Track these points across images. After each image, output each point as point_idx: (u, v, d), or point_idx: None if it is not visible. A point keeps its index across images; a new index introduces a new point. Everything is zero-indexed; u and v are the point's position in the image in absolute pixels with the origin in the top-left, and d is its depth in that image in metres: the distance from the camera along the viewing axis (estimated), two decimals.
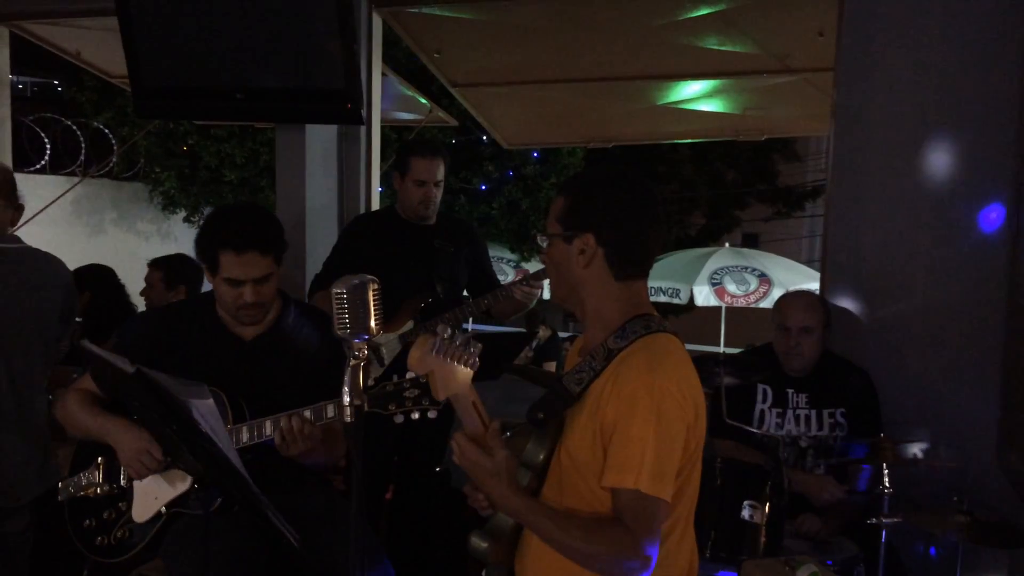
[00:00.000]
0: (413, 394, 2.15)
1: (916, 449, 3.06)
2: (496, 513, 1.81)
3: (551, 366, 8.81)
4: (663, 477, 1.65)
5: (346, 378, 1.57)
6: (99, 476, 2.52)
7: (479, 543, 1.79)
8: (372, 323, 1.57)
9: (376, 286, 1.59)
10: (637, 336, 1.75)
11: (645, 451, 1.64)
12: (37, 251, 2.94)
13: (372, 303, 1.57)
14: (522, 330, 8.32)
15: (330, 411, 2.31)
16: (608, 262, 1.78)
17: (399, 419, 2.17)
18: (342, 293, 1.57)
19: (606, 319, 1.80)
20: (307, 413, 2.30)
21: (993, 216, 3.24)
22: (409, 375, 2.17)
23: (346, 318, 1.56)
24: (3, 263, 2.80)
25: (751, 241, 19.17)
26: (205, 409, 1.63)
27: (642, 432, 1.64)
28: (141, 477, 2.40)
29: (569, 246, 1.79)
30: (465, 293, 3.82)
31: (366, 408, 2.14)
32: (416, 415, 2.15)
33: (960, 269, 3.30)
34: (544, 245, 1.85)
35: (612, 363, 1.73)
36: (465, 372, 1.62)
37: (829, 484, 2.94)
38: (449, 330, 1.58)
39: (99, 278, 4.38)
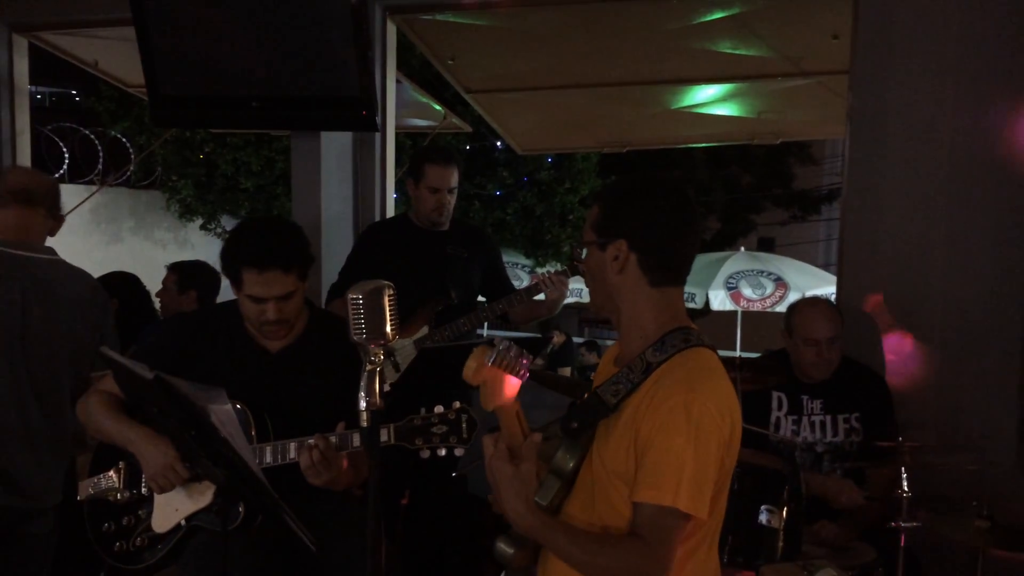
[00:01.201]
0: (441, 431, 2.14)
1: (935, 452, 3.04)
2: (495, 548, 1.80)
3: (565, 372, 8.80)
4: (701, 495, 1.64)
5: (362, 383, 1.58)
6: (120, 482, 2.51)
7: (505, 549, 1.78)
8: (388, 328, 1.58)
9: (392, 291, 1.60)
10: (676, 350, 1.73)
11: (683, 469, 1.62)
12: (71, 266, 2.96)
13: (388, 308, 1.58)
14: (538, 335, 8.33)
15: (355, 441, 2.27)
16: (642, 268, 1.77)
17: (425, 455, 2.16)
18: (358, 298, 1.57)
19: (643, 328, 1.79)
20: (333, 439, 2.26)
21: None
22: (438, 409, 2.16)
23: (362, 323, 1.57)
24: (37, 274, 2.83)
25: (767, 245, 19.08)
26: (224, 415, 1.64)
27: (680, 450, 1.63)
28: (164, 491, 2.38)
29: (603, 253, 1.78)
30: (481, 298, 3.83)
31: (392, 442, 2.15)
32: (443, 452, 2.14)
33: (978, 271, 3.28)
34: (582, 254, 1.84)
35: (650, 377, 1.71)
36: (515, 383, 1.63)
37: (848, 488, 2.92)
38: (505, 342, 1.58)
39: (126, 286, 4.40)
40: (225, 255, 2.43)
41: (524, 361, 1.61)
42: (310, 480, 2.24)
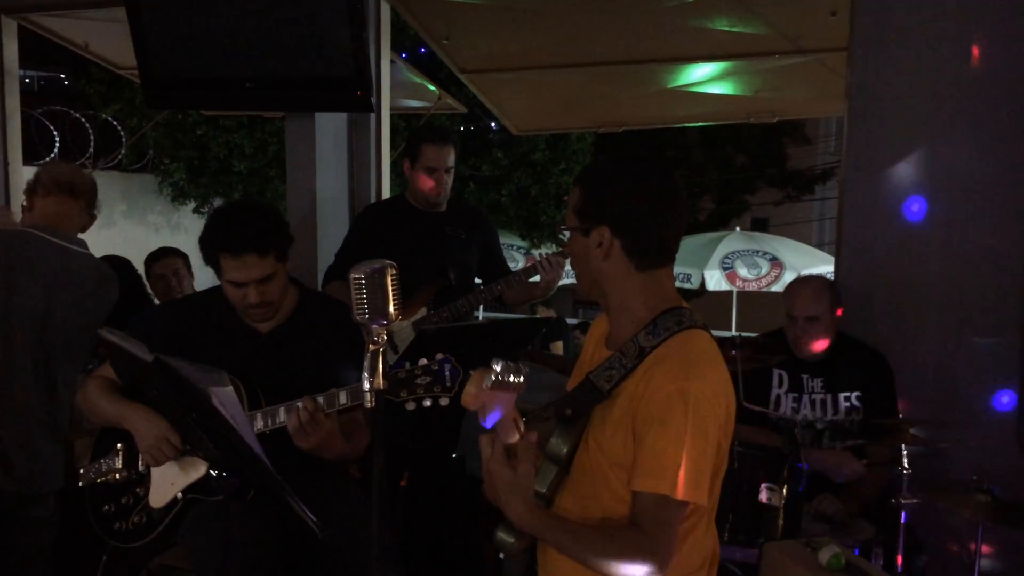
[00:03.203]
0: (425, 381, 2.12)
1: (934, 430, 3.04)
2: (495, 537, 1.80)
3: (557, 347, 8.75)
4: (700, 482, 1.64)
5: (365, 363, 1.57)
6: (119, 462, 2.54)
7: (505, 538, 1.77)
8: (391, 308, 1.57)
9: (394, 271, 1.58)
10: (670, 333, 1.72)
11: (680, 456, 1.62)
12: (95, 259, 3.04)
13: (391, 288, 1.57)
14: (534, 317, 8.31)
15: (343, 398, 2.29)
16: (627, 253, 1.74)
17: (411, 406, 2.15)
18: (360, 278, 1.56)
19: (633, 312, 1.77)
20: (320, 399, 2.29)
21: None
22: (422, 361, 2.15)
23: (365, 303, 1.56)
24: (63, 262, 2.89)
25: (761, 225, 19.10)
26: (225, 397, 1.63)
27: (677, 438, 1.62)
28: (158, 464, 2.42)
29: (587, 239, 1.75)
30: (477, 279, 3.82)
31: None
32: (428, 402, 2.13)
33: (977, 249, 3.27)
34: (565, 238, 1.82)
35: (644, 362, 1.70)
36: (512, 397, 1.62)
37: (848, 460, 2.93)
38: (501, 363, 1.56)
39: (117, 270, 4.41)
40: (203, 242, 2.45)
41: (522, 378, 1.59)
42: (298, 443, 2.27)
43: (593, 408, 1.75)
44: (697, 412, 1.63)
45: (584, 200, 1.76)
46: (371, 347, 1.58)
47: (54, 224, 2.91)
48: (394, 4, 4.46)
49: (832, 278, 3.47)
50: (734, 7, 4.53)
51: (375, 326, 1.58)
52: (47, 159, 10.56)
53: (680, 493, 1.62)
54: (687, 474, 1.62)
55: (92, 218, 3.08)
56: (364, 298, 1.56)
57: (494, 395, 1.57)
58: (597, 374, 1.74)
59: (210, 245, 2.41)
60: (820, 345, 3.10)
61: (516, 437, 1.66)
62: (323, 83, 3.87)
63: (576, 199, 1.78)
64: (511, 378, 1.56)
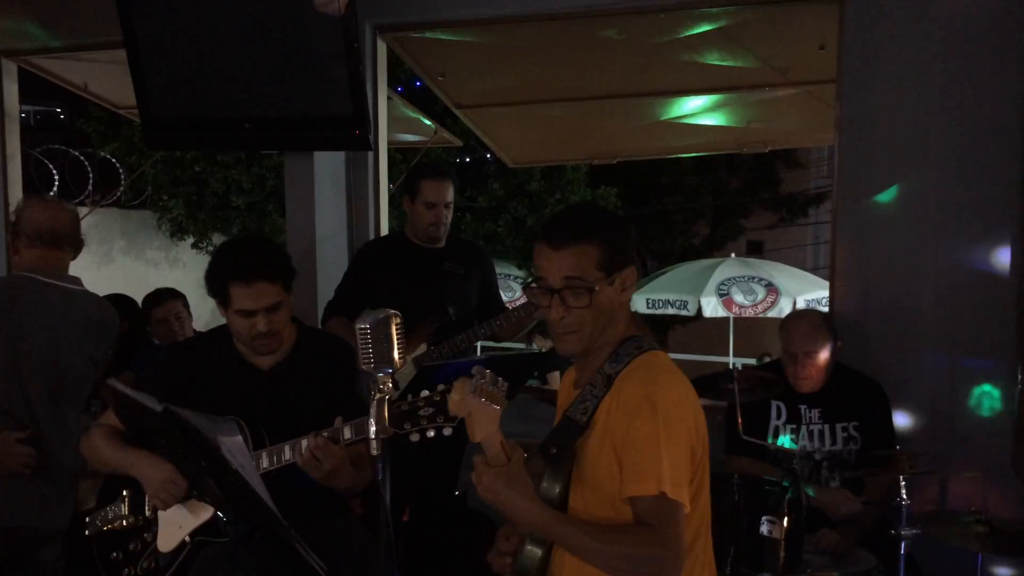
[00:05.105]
0: (428, 412, 2.12)
1: (932, 460, 3.06)
2: (522, 552, 1.82)
3: (554, 376, 8.72)
4: (679, 481, 1.70)
5: (372, 411, 1.59)
6: (125, 508, 2.56)
7: (534, 549, 1.81)
8: (396, 356, 1.60)
9: (399, 320, 1.62)
10: (631, 357, 1.82)
11: (660, 457, 1.68)
12: (94, 295, 3.06)
13: (395, 337, 1.60)
14: (534, 350, 8.28)
15: (347, 433, 2.31)
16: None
17: (415, 438, 2.17)
18: (366, 328, 1.59)
19: (603, 345, 1.85)
20: (325, 434, 2.30)
21: None
22: (424, 394, 2.17)
23: (370, 353, 1.59)
24: (65, 303, 2.92)
25: (755, 249, 19.15)
26: (234, 446, 1.65)
27: (652, 440, 1.69)
28: (167, 507, 2.43)
29: (612, 287, 1.82)
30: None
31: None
32: (432, 433, 2.14)
33: (968, 276, 3.32)
34: (578, 301, 1.79)
35: (613, 387, 1.80)
36: (496, 411, 1.65)
37: (845, 498, 2.95)
38: (483, 371, 1.60)
39: (122, 309, 4.44)
40: (210, 275, 2.48)
41: (502, 389, 1.64)
42: (311, 474, 2.28)
43: (575, 442, 1.81)
44: (666, 414, 1.71)
45: (608, 251, 1.79)
46: (376, 395, 1.61)
47: (45, 268, 2.92)
48: (390, 43, 4.51)
49: (827, 304, 3.51)
50: (724, 41, 4.60)
51: (380, 374, 1.61)
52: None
53: (667, 489, 1.67)
54: (668, 472, 1.68)
55: (79, 248, 3.07)
56: (369, 347, 1.59)
57: (478, 403, 1.61)
58: (573, 409, 1.82)
59: (220, 275, 2.45)
60: (819, 380, 3.12)
61: (503, 460, 1.68)
62: (321, 122, 3.90)
63: (595, 256, 1.78)
64: (490, 386, 1.61)
